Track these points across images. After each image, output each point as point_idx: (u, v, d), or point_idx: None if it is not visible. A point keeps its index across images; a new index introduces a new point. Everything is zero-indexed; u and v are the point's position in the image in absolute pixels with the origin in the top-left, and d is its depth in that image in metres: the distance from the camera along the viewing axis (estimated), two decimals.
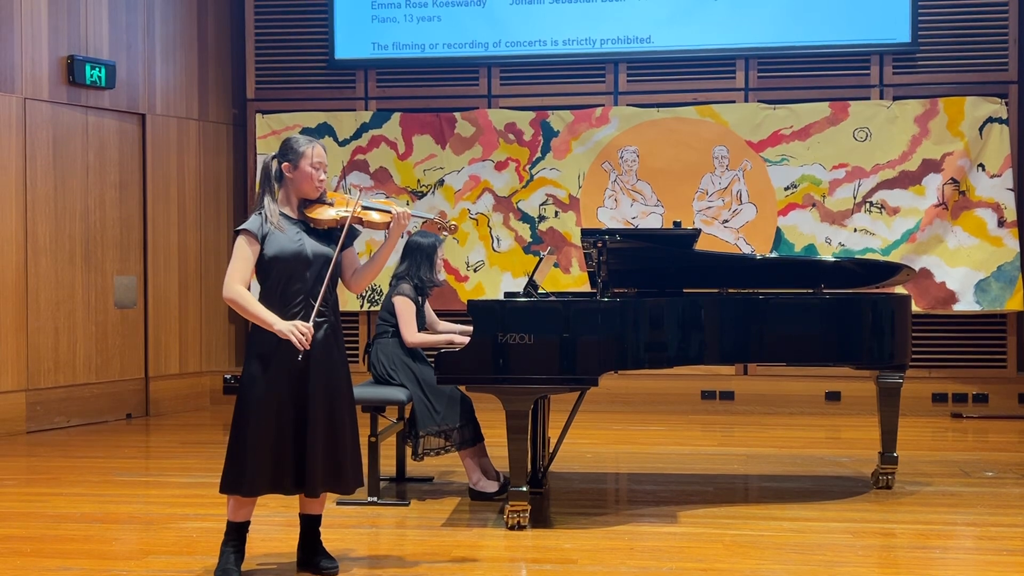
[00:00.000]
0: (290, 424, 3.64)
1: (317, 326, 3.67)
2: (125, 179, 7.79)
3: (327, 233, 3.76)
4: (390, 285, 5.19)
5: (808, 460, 6.01)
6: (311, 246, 3.69)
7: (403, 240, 5.31)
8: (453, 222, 4.05)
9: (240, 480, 3.62)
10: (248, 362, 3.66)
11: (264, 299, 3.66)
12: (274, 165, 3.75)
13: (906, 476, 5.44)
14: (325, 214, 3.74)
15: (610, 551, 4.13)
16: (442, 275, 5.30)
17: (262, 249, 3.64)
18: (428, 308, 5.28)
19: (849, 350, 5.03)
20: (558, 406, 5.46)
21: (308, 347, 3.56)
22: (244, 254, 3.63)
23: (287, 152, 3.73)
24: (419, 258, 5.11)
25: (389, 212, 3.83)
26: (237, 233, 3.67)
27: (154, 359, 7.95)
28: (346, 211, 3.74)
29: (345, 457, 3.71)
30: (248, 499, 3.69)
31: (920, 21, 7.85)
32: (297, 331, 3.54)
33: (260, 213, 3.70)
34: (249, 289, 3.65)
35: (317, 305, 3.64)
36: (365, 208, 3.81)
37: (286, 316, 3.63)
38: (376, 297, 8.19)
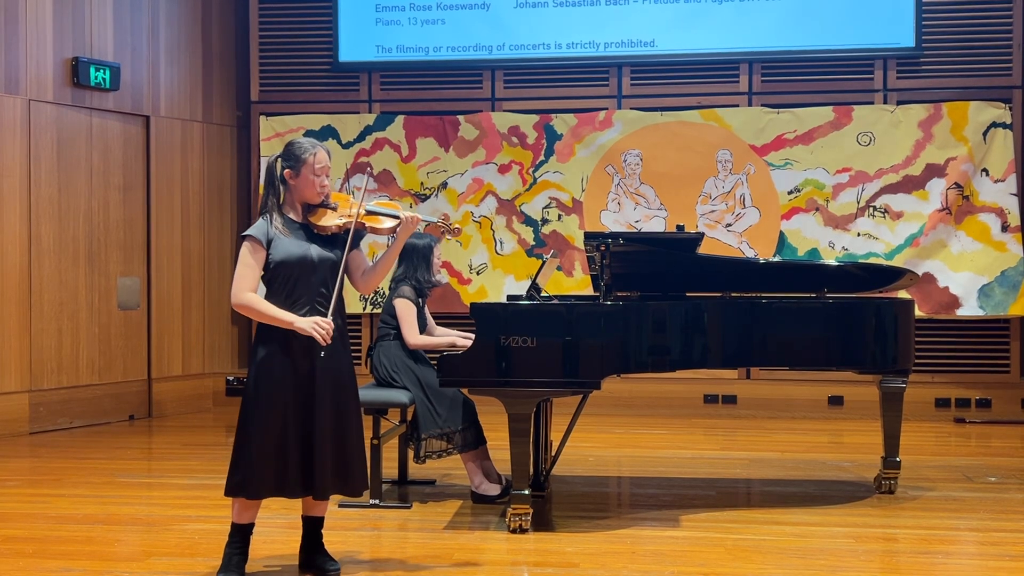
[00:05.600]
0: (296, 427, 3.64)
1: None
2: (129, 181, 7.80)
3: (332, 236, 3.76)
4: (390, 288, 5.20)
5: (810, 464, 6.00)
6: (316, 251, 3.69)
7: None
8: (456, 225, 4.04)
9: (245, 482, 3.62)
10: (254, 364, 3.66)
11: (269, 300, 3.66)
12: (278, 167, 3.75)
13: (909, 481, 5.44)
14: (329, 220, 3.72)
15: (612, 555, 4.13)
16: (442, 276, 5.30)
17: (268, 254, 3.64)
18: (427, 312, 5.28)
19: (852, 355, 5.03)
20: (560, 409, 5.46)
21: (330, 342, 3.56)
22: (249, 261, 3.63)
23: (289, 157, 3.72)
24: (416, 260, 5.10)
25: (394, 216, 3.81)
26: (243, 239, 3.67)
27: (157, 361, 7.96)
28: (350, 217, 3.73)
29: (353, 459, 3.72)
30: (253, 501, 3.70)
31: (924, 26, 7.85)
32: (319, 327, 3.54)
33: (265, 217, 3.70)
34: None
35: (331, 309, 3.63)
36: (370, 213, 3.78)
37: None
38: (379, 299, 8.18)
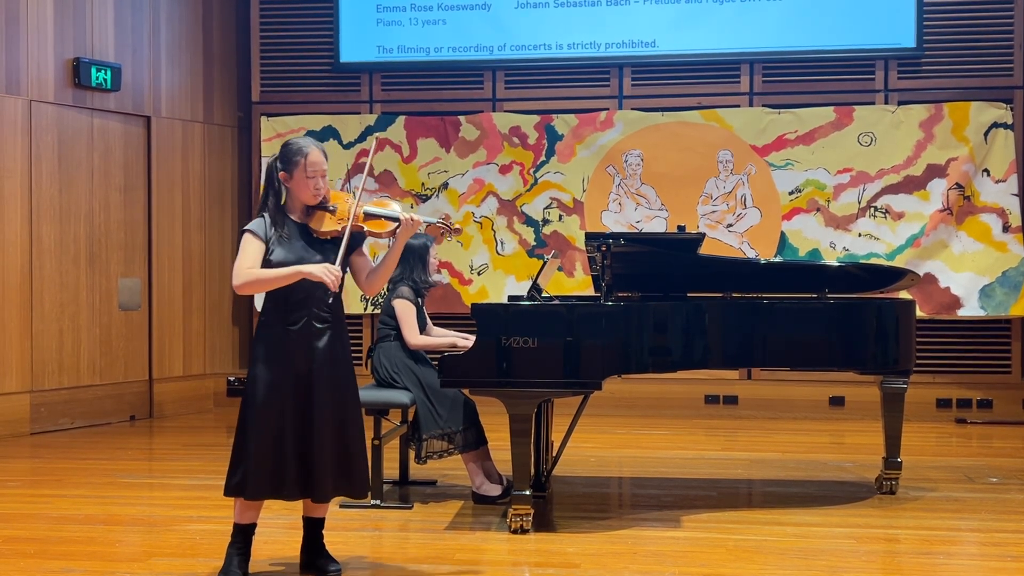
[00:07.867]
0: (294, 428, 3.63)
1: (320, 333, 3.66)
2: (130, 182, 7.80)
3: (331, 240, 3.72)
4: (388, 289, 5.19)
5: (812, 465, 6.00)
6: (315, 253, 3.68)
7: None
8: (457, 225, 4.01)
9: (243, 483, 3.62)
10: (253, 365, 3.65)
11: (267, 303, 3.66)
12: (276, 167, 3.74)
13: (910, 481, 5.43)
14: (327, 225, 3.67)
15: (613, 555, 4.13)
16: (440, 275, 5.29)
17: (268, 252, 3.63)
18: (425, 313, 5.27)
19: (853, 355, 5.03)
20: (561, 410, 5.46)
21: (337, 290, 3.54)
22: (250, 250, 3.60)
23: (282, 159, 3.69)
24: (412, 260, 5.09)
25: (393, 219, 3.75)
26: (242, 232, 3.66)
27: (158, 361, 7.96)
28: (347, 219, 3.68)
29: (355, 461, 3.71)
30: (253, 502, 3.69)
31: (925, 26, 7.84)
32: (329, 272, 3.51)
33: (264, 217, 3.68)
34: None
35: (322, 311, 3.64)
36: (367, 216, 3.72)
37: (288, 321, 3.63)
38: (379, 300, 8.18)
